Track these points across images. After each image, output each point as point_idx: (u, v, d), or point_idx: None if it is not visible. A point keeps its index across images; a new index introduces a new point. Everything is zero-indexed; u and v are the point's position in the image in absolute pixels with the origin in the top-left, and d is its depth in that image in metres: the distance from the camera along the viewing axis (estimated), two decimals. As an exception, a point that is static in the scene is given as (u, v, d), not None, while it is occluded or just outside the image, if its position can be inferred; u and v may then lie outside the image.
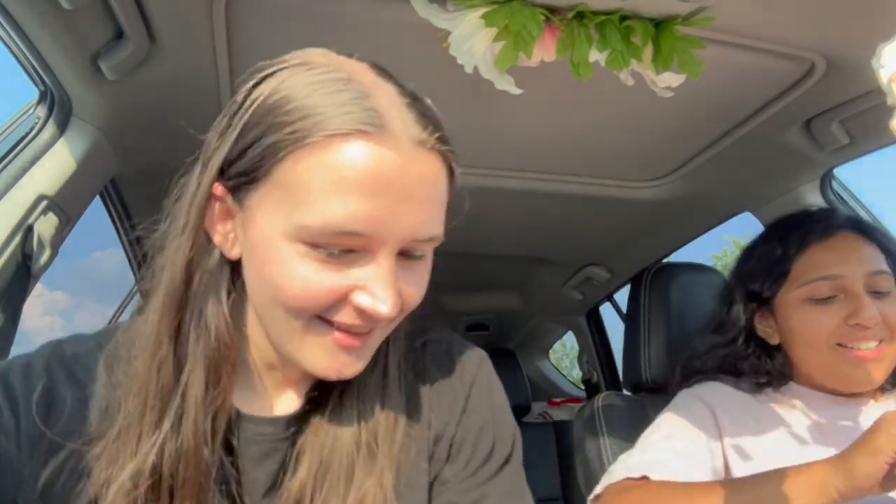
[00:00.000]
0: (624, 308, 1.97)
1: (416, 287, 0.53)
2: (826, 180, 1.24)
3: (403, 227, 0.49)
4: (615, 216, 1.52)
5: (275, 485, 0.56)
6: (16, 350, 0.85)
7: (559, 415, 2.82)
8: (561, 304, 2.28)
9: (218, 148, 0.52)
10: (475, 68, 0.76)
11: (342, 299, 0.49)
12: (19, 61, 0.88)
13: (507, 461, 0.62)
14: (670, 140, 1.19)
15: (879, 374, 0.89)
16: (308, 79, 0.50)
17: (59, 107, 0.93)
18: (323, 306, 0.49)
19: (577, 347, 2.60)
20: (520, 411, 2.47)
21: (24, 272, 0.87)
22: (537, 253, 1.87)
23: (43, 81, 0.90)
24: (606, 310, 2.36)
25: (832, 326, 0.89)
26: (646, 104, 0.96)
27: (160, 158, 1.02)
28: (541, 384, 3.06)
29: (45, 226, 0.90)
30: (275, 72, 0.52)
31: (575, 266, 1.98)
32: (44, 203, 0.90)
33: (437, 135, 0.50)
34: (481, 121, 1.10)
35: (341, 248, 0.48)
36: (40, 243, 0.89)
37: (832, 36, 0.84)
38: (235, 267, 0.55)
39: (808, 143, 1.11)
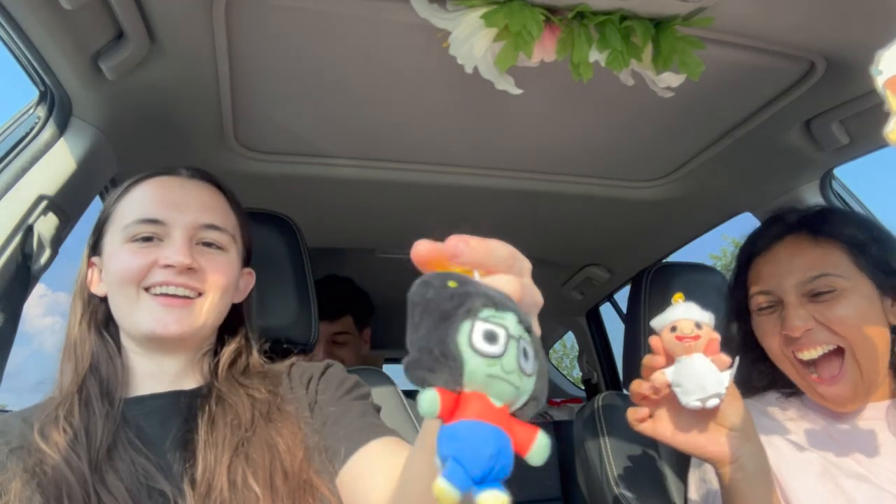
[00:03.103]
0: (624, 308, 1.97)
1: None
2: (826, 180, 1.24)
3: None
4: (615, 216, 1.52)
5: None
6: (16, 351, 0.85)
7: (559, 415, 2.81)
8: (561, 304, 2.28)
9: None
10: (475, 68, 0.76)
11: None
12: (19, 61, 0.88)
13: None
14: (670, 140, 1.19)
15: (846, 391, 0.85)
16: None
17: (59, 107, 0.93)
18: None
19: (577, 347, 2.60)
20: (520, 411, 2.46)
21: (25, 272, 0.87)
22: (537, 253, 1.87)
23: (43, 81, 0.90)
24: (606, 310, 2.36)
25: (777, 337, 0.89)
26: (646, 104, 0.96)
27: (160, 158, 1.02)
28: (541, 384, 3.05)
29: (45, 226, 0.90)
30: None
31: (575, 266, 1.98)
32: (44, 203, 0.90)
33: None
34: (481, 121, 1.10)
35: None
36: (40, 243, 0.89)
37: (832, 36, 0.84)
38: None
39: (808, 143, 1.11)
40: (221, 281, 0.78)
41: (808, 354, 0.86)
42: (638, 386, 0.77)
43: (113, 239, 0.78)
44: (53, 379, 0.77)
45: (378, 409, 0.81)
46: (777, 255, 0.92)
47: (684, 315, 0.74)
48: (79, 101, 0.92)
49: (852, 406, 0.87)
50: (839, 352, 0.85)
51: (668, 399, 0.76)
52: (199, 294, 0.76)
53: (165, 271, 0.74)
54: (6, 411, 0.81)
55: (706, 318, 0.75)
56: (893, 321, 0.87)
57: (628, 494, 1.05)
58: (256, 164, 1.21)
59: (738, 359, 0.74)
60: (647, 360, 0.76)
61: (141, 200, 0.79)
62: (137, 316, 0.74)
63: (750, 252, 0.97)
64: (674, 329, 0.74)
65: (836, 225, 0.91)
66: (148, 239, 0.76)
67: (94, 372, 0.75)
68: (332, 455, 0.72)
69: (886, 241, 0.91)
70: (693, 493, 0.95)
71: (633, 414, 0.78)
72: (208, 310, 0.77)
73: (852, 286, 0.86)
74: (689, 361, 0.72)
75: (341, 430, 0.74)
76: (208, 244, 0.79)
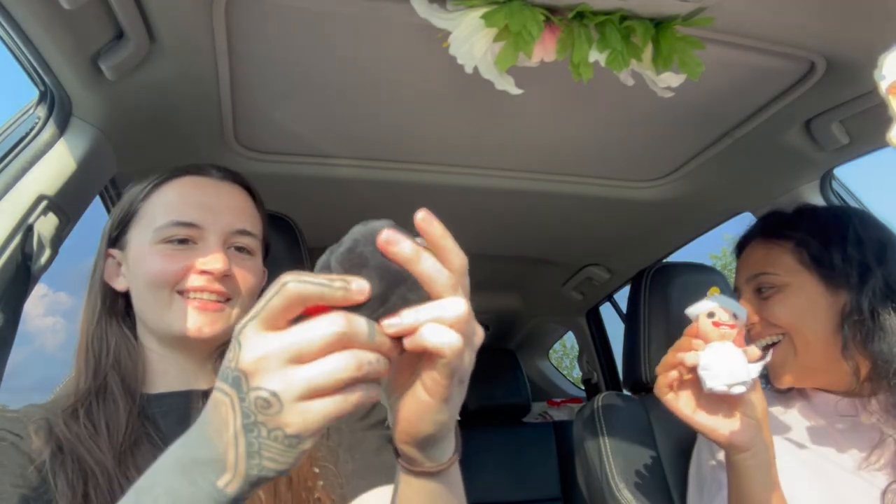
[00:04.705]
0: (624, 308, 1.97)
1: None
2: (826, 180, 1.24)
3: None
4: (615, 216, 1.52)
5: None
6: (17, 351, 0.85)
7: (559, 415, 2.82)
8: (561, 304, 2.28)
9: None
10: (475, 68, 0.76)
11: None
12: (19, 61, 0.88)
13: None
14: (670, 140, 1.19)
15: (780, 373, 0.92)
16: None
17: (59, 107, 0.93)
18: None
19: (577, 347, 2.60)
20: (520, 411, 2.46)
21: (24, 272, 0.87)
22: (537, 253, 1.87)
23: (43, 81, 0.90)
24: (606, 310, 2.36)
25: None
26: (646, 104, 0.97)
27: (160, 158, 1.02)
28: (541, 384, 3.06)
29: (45, 226, 0.90)
30: None
31: (575, 266, 1.98)
32: (44, 203, 0.89)
33: None
34: (481, 121, 1.10)
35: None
36: (40, 243, 0.89)
37: (832, 36, 0.84)
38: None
39: (808, 143, 1.11)
40: (252, 284, 0.79)
41: (758, 344, 0.92)
42: (670, 358, 0.78)
43: (141, 237, 0.77)
44: (54, 379, 0.77)
45: (387, 431, 0.78)
46: (743, 255, 1.01)
47: (723, 304, 0.77)
48: (79, 101, 0.92)
49: (788, 380, 0.92)
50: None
51: (694, 382, 0.78)
52: (229, 299, 0.76)
53: (202, 277, 0.74)
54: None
55: (742, 312, 0.78)
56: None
57: (628, 494, 1.05)
58: (256, 164, 1.21)
59: (770, 354, 0.78)
60: (685, 342, 0.78)
61: (174, 201, 0.77)
62: (169, 318, 0.74)
63: (737, 253, 1.06)
64: (710, 315, 0.76)
65: (784, 226, 0.97)
66: (182, 241, 0.75)
67: (116, 366, 0.74)
68: (343, 480, 0.71)
69: (850, 238, 0.92)
70: (693, 493, 0.95)
71: (663, 378, 0.80)
72: (238, 313, 0.77)
73: (790, 283, 0.91)
74: (722, 347, 0.74)
75: (350, 465, 0.73)
76: (239, 248, 0.79)
